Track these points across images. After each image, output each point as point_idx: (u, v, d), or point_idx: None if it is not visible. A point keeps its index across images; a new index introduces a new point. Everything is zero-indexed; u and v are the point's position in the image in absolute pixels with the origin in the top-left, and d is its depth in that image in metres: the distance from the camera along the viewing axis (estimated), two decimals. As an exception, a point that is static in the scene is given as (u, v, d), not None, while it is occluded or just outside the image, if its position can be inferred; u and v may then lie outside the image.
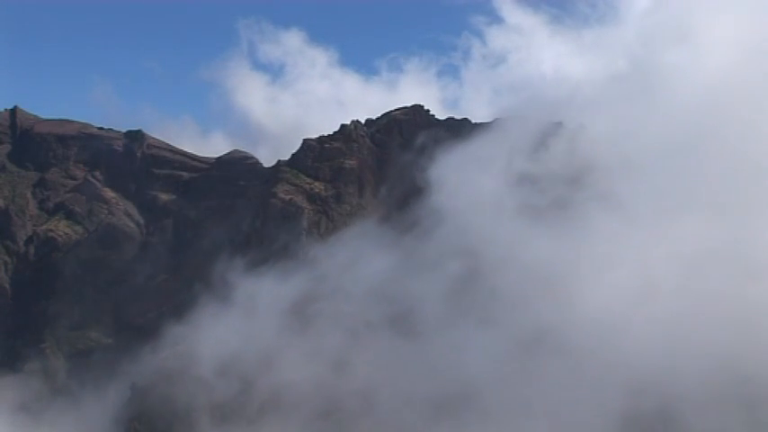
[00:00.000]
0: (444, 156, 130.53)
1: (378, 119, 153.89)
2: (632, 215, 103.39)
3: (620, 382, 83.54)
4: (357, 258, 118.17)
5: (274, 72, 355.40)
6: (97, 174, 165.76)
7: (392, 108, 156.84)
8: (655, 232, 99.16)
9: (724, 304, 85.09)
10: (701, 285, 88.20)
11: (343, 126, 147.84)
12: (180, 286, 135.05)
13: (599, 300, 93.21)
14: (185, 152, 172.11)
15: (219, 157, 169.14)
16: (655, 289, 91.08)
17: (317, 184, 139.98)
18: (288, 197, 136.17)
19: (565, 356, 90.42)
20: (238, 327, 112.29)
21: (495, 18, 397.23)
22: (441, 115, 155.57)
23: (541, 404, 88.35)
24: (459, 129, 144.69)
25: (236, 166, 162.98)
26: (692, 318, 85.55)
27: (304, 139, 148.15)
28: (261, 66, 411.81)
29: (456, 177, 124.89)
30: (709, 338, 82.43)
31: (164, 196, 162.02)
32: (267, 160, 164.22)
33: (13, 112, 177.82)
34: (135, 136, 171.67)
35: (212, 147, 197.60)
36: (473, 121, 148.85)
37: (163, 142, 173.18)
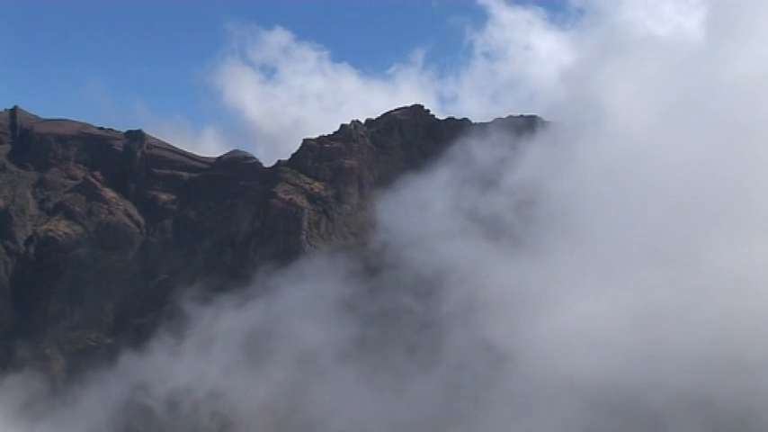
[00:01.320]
0: (399, 187, 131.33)
1: (378, 119, 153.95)
2: (589, 242, 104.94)
3: (576, 401, 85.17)
4: (315, 287, 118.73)
5: (269, 71, 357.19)
6: (97, 174, 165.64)
7: (392, 108, 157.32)
8: (610, 262, 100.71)
9: (676, 321, 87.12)
10: (654, 310, 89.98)
11: (343, 126, 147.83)
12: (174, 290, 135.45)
13: (555, 324, 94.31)
14: (185, 152, 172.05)
15: (219, 157, 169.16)
16: (609, 315, 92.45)
17: (317, 184, 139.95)
18: (288, 197, 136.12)
19: (522, 379, 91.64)
20: (196, 360, 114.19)
21: (491, 18, 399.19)
22: (440, 114, 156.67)
23: (501, 426, 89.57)
24: (458, 129, 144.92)
25: (236, 166, 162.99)
26: (645, 337, 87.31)
27: (304, 139, 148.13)
28: (257, 66, 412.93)
29: (413, 207, 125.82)
30: (660, 355, 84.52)
31: (164, 196, 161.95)
32: (265, 160, 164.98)
33: (13, 112, 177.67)
34: (135, 136, 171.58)
35: (207, 146, 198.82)
36: (473, 121, 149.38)
37: (163, 142, 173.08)
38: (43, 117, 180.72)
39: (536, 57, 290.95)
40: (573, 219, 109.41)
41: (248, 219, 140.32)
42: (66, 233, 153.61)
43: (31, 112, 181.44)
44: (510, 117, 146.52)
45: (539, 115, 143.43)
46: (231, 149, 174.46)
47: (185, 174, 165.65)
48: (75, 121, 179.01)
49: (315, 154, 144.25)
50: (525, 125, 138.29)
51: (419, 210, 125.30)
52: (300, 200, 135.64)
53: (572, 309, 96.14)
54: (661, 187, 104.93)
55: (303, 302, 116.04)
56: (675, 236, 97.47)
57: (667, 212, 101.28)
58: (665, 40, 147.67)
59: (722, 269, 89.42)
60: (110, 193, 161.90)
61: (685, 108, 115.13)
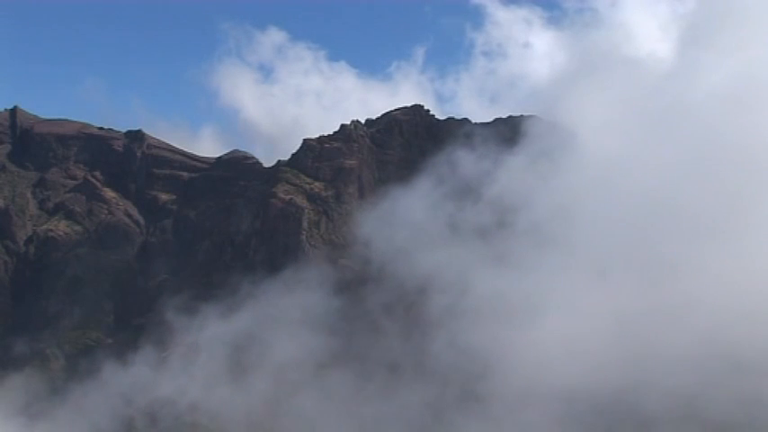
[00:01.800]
0: (384, 201, 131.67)
1: (378, 119, 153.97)
2: (575, 250, 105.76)
3: (563, 409, 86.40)
4: (300, 297, 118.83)
5: (266, 71, 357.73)
6: (97, 174, 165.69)
7: (392, 108, 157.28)
8: (591, 276, 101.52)
9: (661, 327, 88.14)
10: (639, 317, 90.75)
11: (343, 126, 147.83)
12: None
13: (542, 332, 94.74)
14: (185, 152, 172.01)
15: (219, 157, 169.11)
16: (594, 322, 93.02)
17: (317, 184, 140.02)
18: (288, 197, 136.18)
19: (508, 387, 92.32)
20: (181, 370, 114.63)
21: (488, 17, 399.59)
22: (438, 114, 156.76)
23: None
24: (458, 129, 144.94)
25: (236, 166, 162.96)
26: (629, 344, 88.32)
27: (304, 139, 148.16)
28: (255, 65, 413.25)
29: (399, 219, 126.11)
30: (645, 362, 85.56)
31: (164, 196, 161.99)
32: (265, 160, 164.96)
33: (13, 112, 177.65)
34: (135, 136, 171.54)
35: (205, 146, 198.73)
36: (473, 121, 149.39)
37: (163, 142, 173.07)
38: (43, 117, 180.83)
39: (534, 55, 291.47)
40: (558, 228, 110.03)
41: (248, 219, 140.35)
42: (66, 233, 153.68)
43: (31, 112, 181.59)
44: (510, 117, 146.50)
45: (537, 115, 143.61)
46: (230, 149, 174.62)
47: (185, 174, 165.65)
48: (75, 121, 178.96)
49: (315, 154, 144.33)
50: (520, 127, 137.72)
51: (404, 221, 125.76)
52: (300, 200, 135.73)
53: (558, 316, 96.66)
54: (642, 197, 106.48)
55: (297, 311, 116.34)
56: (658, 243, 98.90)
57: (649, 221, 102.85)
58: (639, 60, 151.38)
59: (706, 275, 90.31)
60: (110, 193, 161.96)
61: (662, 123, 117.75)
